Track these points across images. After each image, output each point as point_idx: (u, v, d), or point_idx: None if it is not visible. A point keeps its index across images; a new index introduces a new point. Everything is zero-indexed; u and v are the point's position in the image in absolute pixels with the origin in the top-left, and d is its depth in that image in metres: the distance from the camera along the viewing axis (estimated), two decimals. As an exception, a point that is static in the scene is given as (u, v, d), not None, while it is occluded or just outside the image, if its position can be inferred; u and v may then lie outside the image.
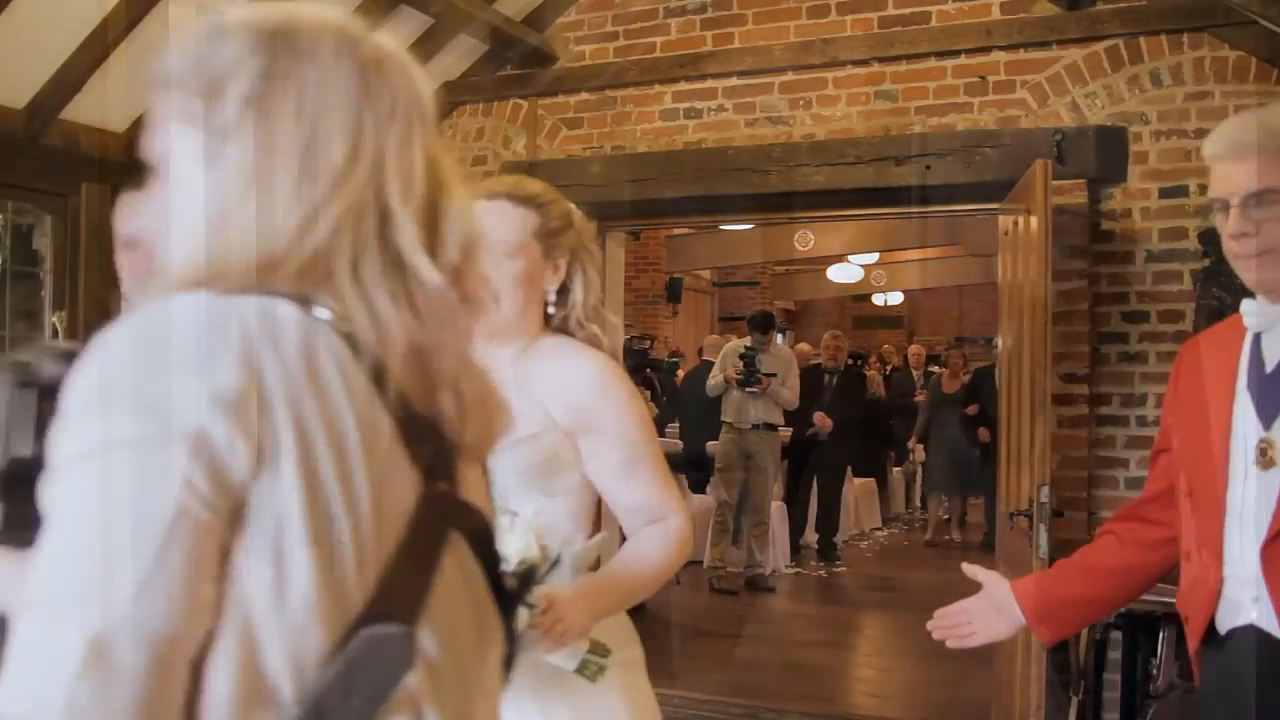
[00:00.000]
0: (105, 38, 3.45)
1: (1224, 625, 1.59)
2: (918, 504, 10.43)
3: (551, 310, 1.76)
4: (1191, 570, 1.65)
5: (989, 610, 1.85)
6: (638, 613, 6.37)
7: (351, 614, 0.73)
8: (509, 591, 0.93)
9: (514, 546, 1.48)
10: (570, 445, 1.68)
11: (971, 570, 1.91)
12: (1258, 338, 1.62)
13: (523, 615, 1.41)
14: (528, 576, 1.39)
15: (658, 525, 1.71)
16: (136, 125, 3.92)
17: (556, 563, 1.53)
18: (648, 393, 6.46)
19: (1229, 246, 1.60)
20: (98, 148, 3.84)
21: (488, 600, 0.89)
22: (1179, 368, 1.79)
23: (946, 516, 9.30)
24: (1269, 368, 1.59)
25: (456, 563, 0.84)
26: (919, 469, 10.15)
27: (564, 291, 1.76)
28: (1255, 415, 1.58)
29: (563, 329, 1.77)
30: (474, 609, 0.87)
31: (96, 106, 3.73)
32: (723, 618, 6.29)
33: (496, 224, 1.68)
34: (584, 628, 1.54)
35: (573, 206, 1.79)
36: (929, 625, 1.92)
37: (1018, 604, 1.81)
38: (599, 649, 1.57)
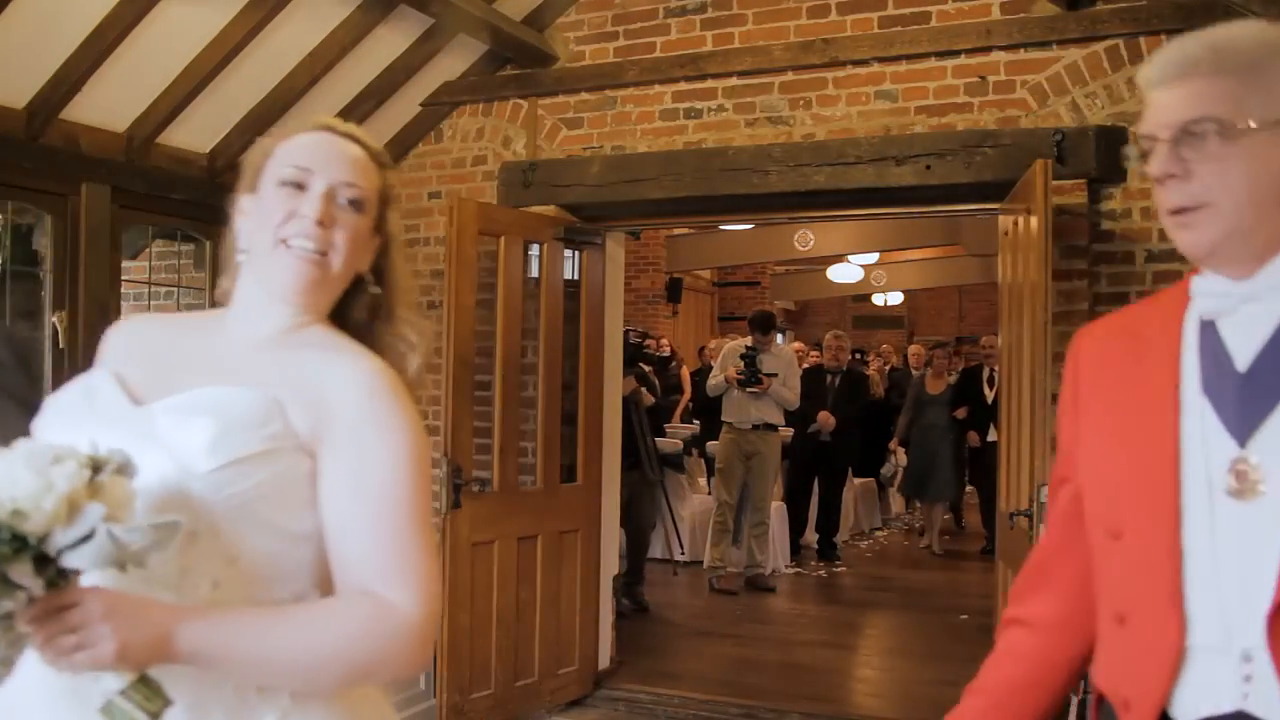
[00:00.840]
0: (105, 38, 3.45)
1: (1188, 713, 1.17)
2: (918, 505, 10.45)
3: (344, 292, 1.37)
4: (1130, 639, 1.22)
5: None
6: (639, 613, 6.37)
7: None
8: None
9: None
10: (314, 472, 1.25)
11: None
12: (1211, 327, 1.23)
13: None
14: None
15: (369, 601, 1.20)
16: (136, 125, 3.92)
17: (89, 537, 1.03)
18: (642, 388, 6.43)
19: (1156, 198, 1.23)
20: (98, 148, 3.84)
21: None
22: (1076, 369, 1.38)
23: (948, 515, 9.30)
24: (1240, 365, 1.19)
25: None
26: (899, 472, 9.79)
27: (361, 283, 1.38)
28: (1222, 428, 1.18)
29: (350, 328, 1.38)
30: None
31: (96, 106, 3.73)
32: (723, 618, 6.30)
33: (349, 164, 1.33)
34: (126, 654, 1.06)
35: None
36: None
37: None
38: (148, 695, 1.08)
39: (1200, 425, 1.19)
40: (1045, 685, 1.39)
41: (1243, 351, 1.19)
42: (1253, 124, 1.15)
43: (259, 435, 1.20)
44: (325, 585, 1.26)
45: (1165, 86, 1.22)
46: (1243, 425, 1.16)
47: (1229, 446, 1.16)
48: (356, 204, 1.32)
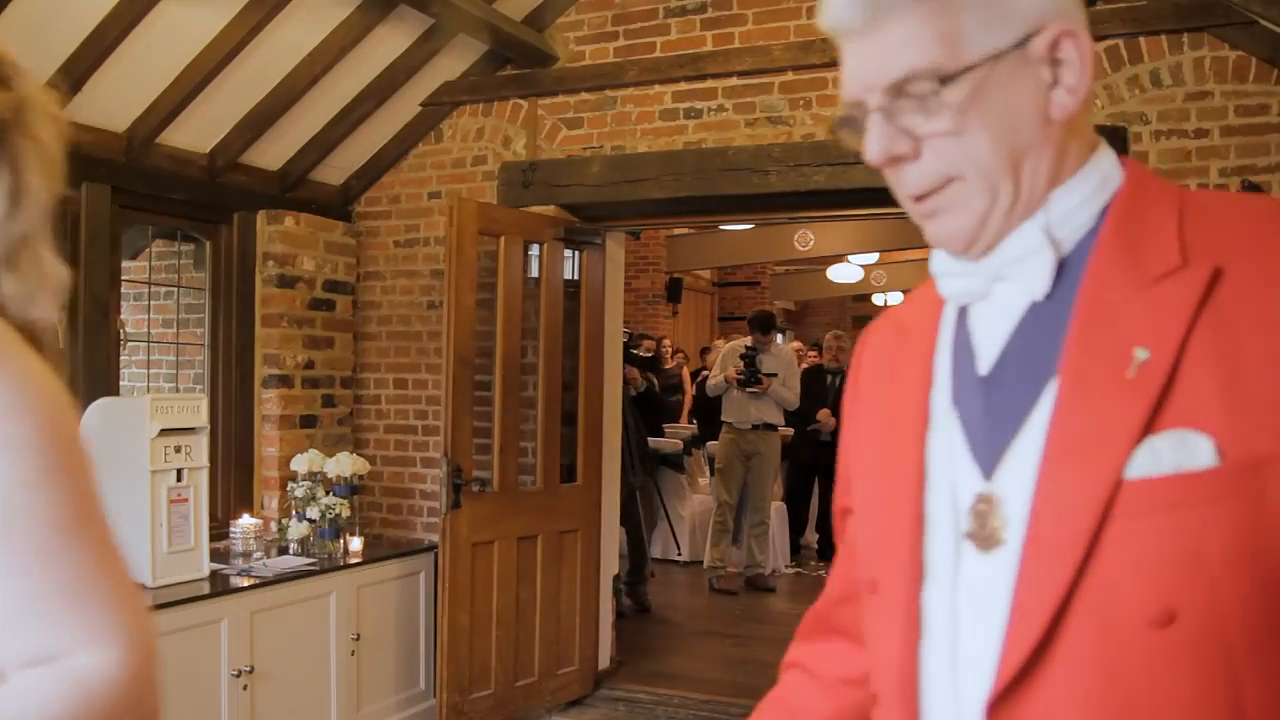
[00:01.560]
0: (105, 37, 3.45)
1: None
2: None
3: None
4: None
5: None
6: (640, 613, 6.36)
7: None
8: None
9: None
10: None
11: None
12: (963, 317, 0.92)
13: None
14: None
15: (43, 671, 0.88)
16: (136, 125, 3.92)
17: None
18: (634, 374, 6.42)
19: (889, 181, 0.92)
20: (98, 148, 3.84)
21: None
22: (856, 375, 1.06)
23: None
24: (983, 368, 0.88)
25: None
26: None
27: None
28: (968, 453, 0.87)
29: None
30: None
31: (96, 106, 3.73)
32: (723, 618, 6.30)
33: None
34: None
35: (13, 59, 1.00)
36: None
37: None
38: None
39: (948, 449, 0.88)
40: None
41: (986, 349, 0.88)
42: (979, 60, 0.82)
43: None
44: None
45: (858, 33, 0.86)
46: (989, 449, 0.85)
47: (975, 478, 0.86)
48: None
